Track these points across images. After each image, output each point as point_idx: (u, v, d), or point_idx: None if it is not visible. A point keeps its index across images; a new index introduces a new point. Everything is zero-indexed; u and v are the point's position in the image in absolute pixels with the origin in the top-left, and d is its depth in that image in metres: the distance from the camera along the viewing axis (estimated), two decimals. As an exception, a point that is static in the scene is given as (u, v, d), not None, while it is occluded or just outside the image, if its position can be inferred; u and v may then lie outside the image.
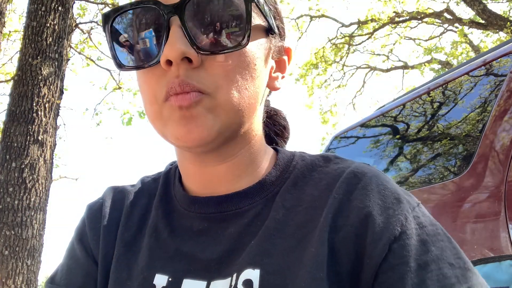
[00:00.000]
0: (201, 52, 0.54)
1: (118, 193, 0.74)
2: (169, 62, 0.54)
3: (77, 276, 0.68)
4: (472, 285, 0.49)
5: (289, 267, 0.55)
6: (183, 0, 0.54)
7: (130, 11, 0.57)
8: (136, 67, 0.58)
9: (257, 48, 0.60)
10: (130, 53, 0.58)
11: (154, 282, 0.62)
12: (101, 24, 0.59)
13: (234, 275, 0.57)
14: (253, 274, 0.56)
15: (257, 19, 0.60)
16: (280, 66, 0.69)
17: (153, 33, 0.56)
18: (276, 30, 0.65)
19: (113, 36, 0.58)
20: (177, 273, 0.61)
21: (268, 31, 0.63)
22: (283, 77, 0.69)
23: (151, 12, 0.56)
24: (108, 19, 0.58)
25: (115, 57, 0.59)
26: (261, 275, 0.55)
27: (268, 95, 0.74)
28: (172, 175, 0.73)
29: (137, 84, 0.62)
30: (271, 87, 0.66)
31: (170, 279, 0.61)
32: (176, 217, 0.67)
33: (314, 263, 0.53)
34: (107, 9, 8.63)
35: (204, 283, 0.60)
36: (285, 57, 0.69)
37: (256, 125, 0.65)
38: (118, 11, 0.58)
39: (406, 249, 0.51)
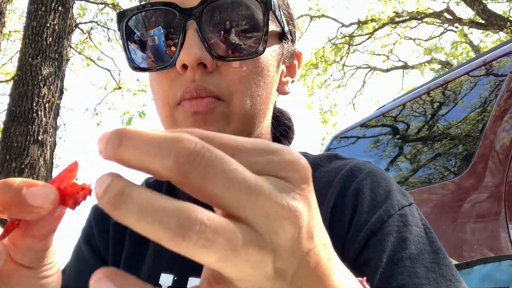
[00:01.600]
0: (217, 58, 0.54)
1: None
2: (184, 66, 0.54)
3: (87, 278, 0.67)
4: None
5: None
6: (201, 5, 0.53)
7: (146, 12, 0.56)
8: (150, 69, 0.57)
9: (271, 54, 0.60)
10: (144, 54, 0.57)
11: (160, 282, 0.62)
12: (116, 22, 0.58)
13: None
14: None
15: (272, 25, 0.59)
16: (290, 71, 0.69)
17: (169, 36, 0.55)
18: (289, 36, 0.65)
19: (128, 35, 0.57)
20: (182, 271, 0.62)
21: (281, 36, 0.63)
22: (292, 81, 0.69)
23: (168, 14, 0.55)
24: (123, 18, 0.57)
25: (128, 57, 0.58)
26: None
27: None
28: None
29: (149, 84, 0.62)
30: (281, 91, 0.66)
31: (175, 278, 0.61)
32: None
33: None
34: (107, 9, 8.65)
35: None
36: (296, 62, 0.69)
37: (265, 129, 0.65)
38: (133, 10, 0.57)
39: (382, 244, 0.52)
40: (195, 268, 0.60)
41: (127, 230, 0.68)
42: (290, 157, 0.26)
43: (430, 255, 0.52)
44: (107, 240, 0.69)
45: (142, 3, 0.58)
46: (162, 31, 0.56)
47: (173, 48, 0.55)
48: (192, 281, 0.60)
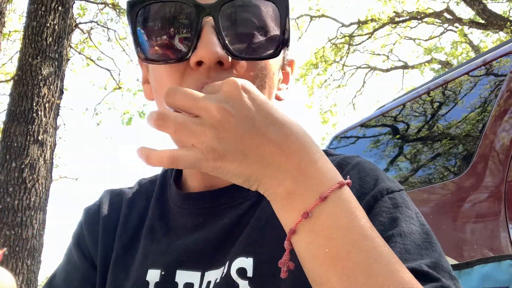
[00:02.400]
0: (234, 57, 0.54)
1: (115, 195, 0.75)
2: (199, 63, 0.54)
3: (75, 280, 0.69)
4: (436, 261, 0.49)
5: (281, 256, 0.57)
6: (219, 2, 0.53)
7: (161, 3, 0.55)
8: (161, 61, 0.56)
9: (277, 59, 0.61)
10: (155, 45, 0.56)
11: (147, 279, 0.63)
12: (126, 11, 0.56)
13: (227, 263, 0.59)
14: (246, 262, 0.57)
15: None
16: (285, 78, 0.70)
17: (183, 30, 0.55)
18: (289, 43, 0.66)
19: (139, 26, 0.56)
20: (170, 265, 0.62)
21: (285, 43, 0.64)
22: (287, 88, 0.70)
23: (183, 8, 0.54)
24: (134, 8, 0.56)
25: (138, 48, 0.56)
26: (255, 264, 0.57)
27: None
28: (168, 176, 0.74)
29: (154, 77, 0.61)
30: (277, 97, 0.67)
31: (162, 273, 0.62)
32: (172, 216, 0.68)
33: None
34: (107, 9, 8.64)
35: (199, 273, 0.61)
36: (289, 69, 0.71)
37: None
38: (146, 0, 0.55)
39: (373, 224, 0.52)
40: (182, 262, 0.62)
41: (116, 232, 0.70)
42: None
43: (422, 235, 0.52)
44: (96, 241, 0.70)
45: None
46: (176, 24, 0.55)
47: (186, 43, 0.54)
48: (180, 274, 0.61)
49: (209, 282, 0.59)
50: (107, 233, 0.70)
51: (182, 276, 0.61)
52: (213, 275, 0.59)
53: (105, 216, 0.72)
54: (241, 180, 0.45)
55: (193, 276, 0.61)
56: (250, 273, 0.56)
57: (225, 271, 0.58)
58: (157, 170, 0.80)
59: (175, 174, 0.73)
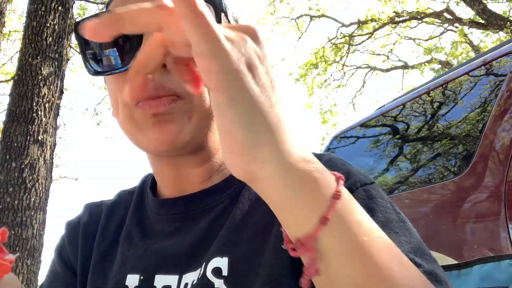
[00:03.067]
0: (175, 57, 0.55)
1: (95, 207, 0.78)
2: None
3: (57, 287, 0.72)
4: (415, 246, 0.49)
5: (256, 253, 0.57)
6: None
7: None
8: (109, 73, 0.59)
9: None
10: (102, 59, 0.59)
11: (126, 283, 0.64)
12: (74, 32, 0.60)
13: (203, 265, 0.59)
14: (221, 262, 0.58)
15: None
16: None
17: (126, 40, 0.57)
18: None
19: (86, 43, 0.59)
20: (148, 270, 0.63)
21: None
22: None
23: None
24: (79, 26, 0.58)
25: (87, 64, 0.59)
26: (230, 263, 0.58)
27: None
28: (146, 185, 0.76)
29: (108, 90, 0.64)
30: None
31: (141, 278, 0.63)
32: (149, 223, 0.70)
33: (278, 247, 0.55)
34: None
35: (176, 277, 0.62)
36: None
37: None
38: (89, 18, 0.58)
39: None
40: (160, 266, 0.63)
41: (95, 240, 0.72)
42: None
43: (398, 223, 0.53)
44: (76, 250, 0.73)
45: (97, 12, 0.59)
46: (119, 36, 0.57)
47: (130, 52, 0.56)
48: (159, 279, 0.62)
49: (186, 284, 0.60)
50: (86, 242, 0.72)
51: (161, 280, 0.62)
52: (190, 277, 0.60)
53: (84, 227, 0.74)
54: (241, 115, 0.34)
55: (170, 279, 0.62)
56: (225, 272, 0.57)
57: (201, 272, 0.59)
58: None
59: (151, 182, 0.74)
